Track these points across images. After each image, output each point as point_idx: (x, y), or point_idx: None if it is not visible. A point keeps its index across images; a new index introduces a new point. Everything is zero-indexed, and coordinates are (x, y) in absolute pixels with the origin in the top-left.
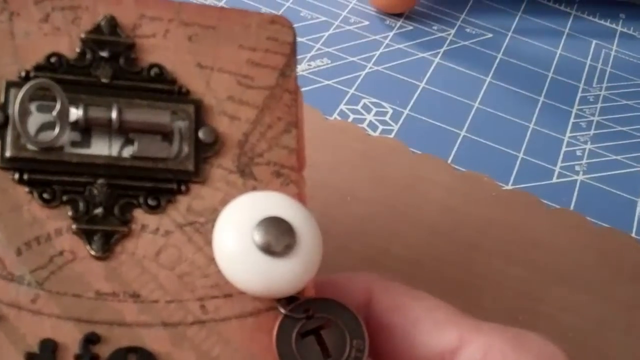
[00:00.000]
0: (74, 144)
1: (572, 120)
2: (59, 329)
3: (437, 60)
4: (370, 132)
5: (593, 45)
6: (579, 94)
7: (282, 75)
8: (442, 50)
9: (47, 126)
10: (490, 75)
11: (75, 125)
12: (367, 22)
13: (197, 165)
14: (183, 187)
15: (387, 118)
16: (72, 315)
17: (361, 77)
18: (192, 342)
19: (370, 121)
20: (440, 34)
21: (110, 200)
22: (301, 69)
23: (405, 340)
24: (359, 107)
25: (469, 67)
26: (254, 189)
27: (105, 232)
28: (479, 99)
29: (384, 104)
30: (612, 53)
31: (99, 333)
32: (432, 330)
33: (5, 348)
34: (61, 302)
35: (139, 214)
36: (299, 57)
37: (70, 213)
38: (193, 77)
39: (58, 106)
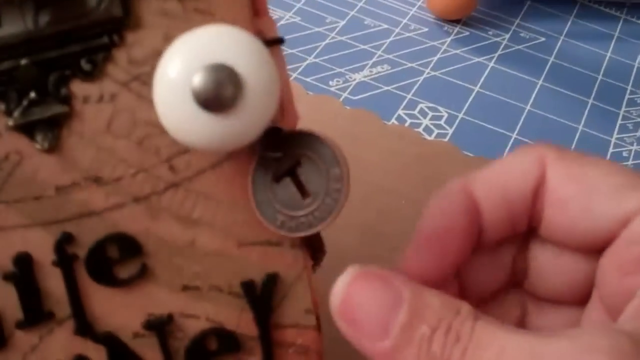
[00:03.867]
0: None
1: (619, 122)
2: (28, 239)
3: (491, 64)
4: (426, 136)
5: None
6: (627, 96)
7: None
8: (496, 54)
9: None
10: (542, 78)
11: None
12: (426, 29)
13: (125, 6)
14: (116, 38)
15: (442, 122)
16: (38, 221)
17: (419, 82)
18: (169, 210)
19: (427, 125)
20: (495, 39)
21: (40, 79)
22: (363, 75)
23: (583, 210)
24: (415, 112)
25: (522, 71)
26: (197, 10)
27: (46, 121)
28: (530, 102)
29: (439, 108)
30: None
31: (70, 231)
32: (612, 197)
33: None
34: (23, 209)
35: (77, 87)
36: (360, 63)
37: (2, 107)
38: None
39: None
